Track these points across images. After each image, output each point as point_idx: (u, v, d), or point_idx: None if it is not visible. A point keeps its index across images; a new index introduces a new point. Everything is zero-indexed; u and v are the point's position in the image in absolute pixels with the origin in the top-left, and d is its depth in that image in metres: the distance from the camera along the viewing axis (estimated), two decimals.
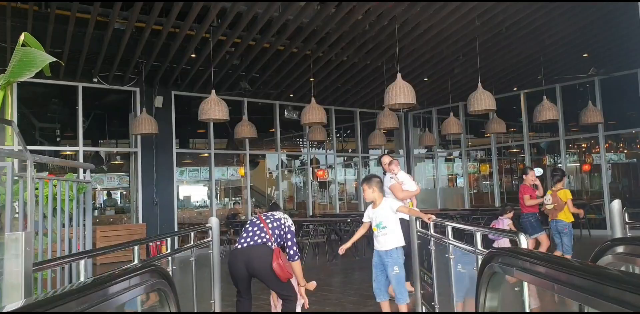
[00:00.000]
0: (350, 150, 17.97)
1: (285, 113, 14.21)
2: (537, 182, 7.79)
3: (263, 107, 14.45)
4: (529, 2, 8.30)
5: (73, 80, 11.20)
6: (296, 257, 4.49)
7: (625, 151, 19.64)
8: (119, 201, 16.80)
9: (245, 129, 11.21)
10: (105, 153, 16.28)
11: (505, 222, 7.49)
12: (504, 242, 6.47)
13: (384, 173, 6.44)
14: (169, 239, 4.13)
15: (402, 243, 4.85)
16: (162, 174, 12.04)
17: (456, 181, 17.63)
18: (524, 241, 2.19)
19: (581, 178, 16.97)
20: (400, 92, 8.01)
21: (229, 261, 4.44)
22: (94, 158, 15.73)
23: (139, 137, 11.75)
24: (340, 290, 6.97)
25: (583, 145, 17.42)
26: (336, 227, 10.15)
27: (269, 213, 4.69)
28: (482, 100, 9.22)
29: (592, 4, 8.43)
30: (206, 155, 13.48)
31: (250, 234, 4.44)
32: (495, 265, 1.60)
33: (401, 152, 17.19)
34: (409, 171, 16.74)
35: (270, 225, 4.47)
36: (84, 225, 4.42)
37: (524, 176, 7.86)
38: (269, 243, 4.34)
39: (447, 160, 17.79)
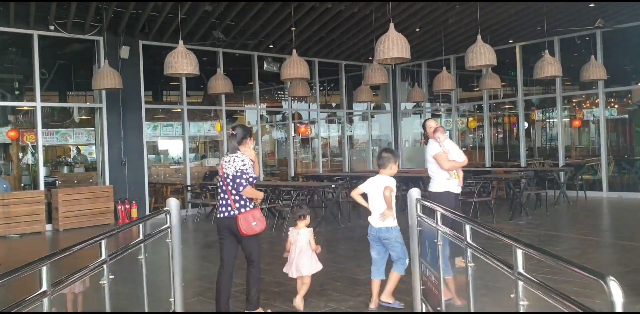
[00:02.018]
0: (334, 105, 17.05)
1: (265, 65, 13.17)
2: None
3: (240, 59, 13.37)
4: None
5: (27, 28, 10.01)
6: (241, 188, 4.14)
7: (616, 106, 19.08)
8: (88, 158, 15.85)
9: (220, 84, 10.23)
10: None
11: None
12: None
13: (425, 138, 5.68)
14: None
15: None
16: (130, 131, 11.09)
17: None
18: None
19: (570, 134, 16.34)
20: (393, 45, 7.07)
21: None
22: (61, 111, 14.70)
23: (103, 92, 10.72)
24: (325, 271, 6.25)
25: (574, 101, 16.73)
26: (320, 194, 9.41)
27: (227, 158, 4.24)
28: (482, 55, 8.31)
29: None
30: (177, 110, 12.50)
31: (222, 202, 4.28)
32: None
33: (387, 106, 16.32)
34: (396, 127, 15.97)
35: (229, 186, 4.18)
36: None
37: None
38: (234, 212, 4.17)
39: (434, 115, 17.00)
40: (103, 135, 10.91)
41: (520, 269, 2.12)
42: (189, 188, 11.35)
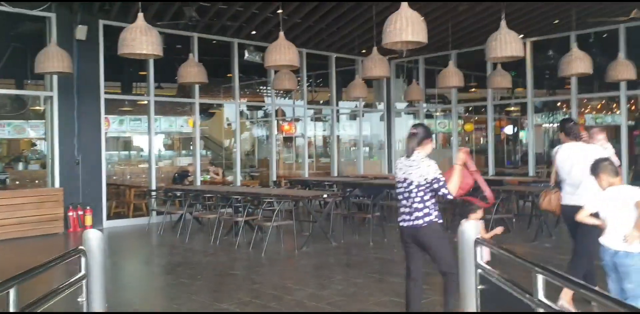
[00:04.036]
0: (321, 102, 15.59)
1: (246, 54, 11.65)
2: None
3: (218, 47, 11.83)
4: None
5: None
6: (449, 197, 3.76)
7: (618, 112, 17.94)
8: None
9: (192, 71, 8.66)
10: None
11: None
12: None
13: (577, 140, 4.62)
14: None
15: None
16: (86, 125, 9.49)
17: (449, 141, 15.56)
18: None
19: None
20: (408, 26, 5.62)
21: None
22: (15, 101, 13.05)
23: (54, 78, 9.13)
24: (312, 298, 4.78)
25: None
26: (310, 206, 7.91)
27: (407, 162, 3.84)
28: (508, 44, 6.89)
29: None
30: (144, 102, 10.91)
31: (403, 210, 3.89)
32: None
33: (378, 105, 14.90)
34: (389, 127, 14.56)
35: (412, 193, 3.80)
36: None
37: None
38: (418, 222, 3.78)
39: (428, 116, 15.65)
40: (53, 128, 9.30)
41: None
42: (153, 193, 9.76)
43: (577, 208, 4.07)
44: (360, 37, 11.65)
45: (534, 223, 8.65)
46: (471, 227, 2.81)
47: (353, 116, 15.88)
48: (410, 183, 3.77)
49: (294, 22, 10.40)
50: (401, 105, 15.03)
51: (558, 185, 4.71)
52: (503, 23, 7.03)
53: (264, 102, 15.63)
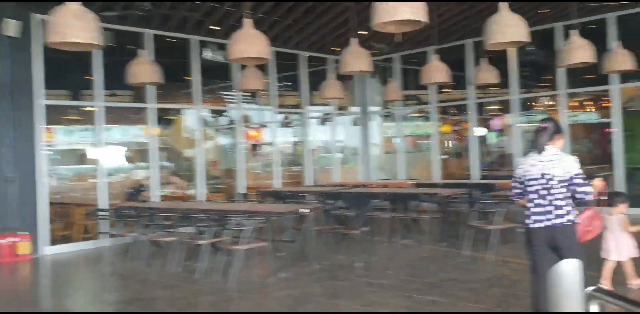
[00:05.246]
0: (288, 106, 14.49)
1: (209, 53, 10.52)
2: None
3: (176, 46, 10.66)
4: None
5: None
6: (591, 196, 3.60)
7: (590, 109, 17.41)
8: None
9: (144, 70, 7.48)
10: None
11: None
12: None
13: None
14: None
15: None
16: (20, 136, 8.18)
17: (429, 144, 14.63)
18: None
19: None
20: (402, 3, 4.60)
21: None
22: None
23: None
24: None
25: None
26: (285, 224, 6.77)
27: (543, 157, 3.70)
28: (509, 28, 5.96)
29: None
30: (91, 109, 9.61)
31: (538, 209, 3.70)
32: None
33: (353, 109, 13.89)
34: (365, 131, 13.58)
35: (553, 189, 3.63)
36: None
37: None
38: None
39: (406, 118, 14.74)
40: None
41: None
42: (102, 213, 8.45)
43: None
44: (332, 33, 10.65)
45: None
46: (575, 268, 1.75)
47: (322, 121, 14.85)
48: (552, 179, 3.60)
49: (260, 17, 9.34)
50: (375, 108, 14.06)
51: None
52: (503, 4, 6.09)
53: (228, 107, 14.45)
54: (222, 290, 5.70)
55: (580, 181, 3.58)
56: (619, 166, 10.14)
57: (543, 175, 3.65)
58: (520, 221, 7.54)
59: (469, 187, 8.51)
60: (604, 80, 10.24)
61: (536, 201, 3.69)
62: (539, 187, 3.67)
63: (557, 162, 3.62)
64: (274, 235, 7.46)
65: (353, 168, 13.79)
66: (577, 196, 3.59)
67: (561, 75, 10.68)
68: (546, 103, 16.56)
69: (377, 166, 13.79)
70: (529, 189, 3.74)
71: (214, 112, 14.62)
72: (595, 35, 10.37)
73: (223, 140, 15.52)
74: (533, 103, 16.84)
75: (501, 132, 18.86)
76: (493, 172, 14.12)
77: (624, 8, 9.69)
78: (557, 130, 3.75)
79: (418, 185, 9.67)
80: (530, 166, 3.72)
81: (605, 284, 4.96)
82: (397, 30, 5.09)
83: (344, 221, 7.72)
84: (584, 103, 16.67)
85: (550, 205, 3.62)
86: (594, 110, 17.25)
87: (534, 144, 3.75)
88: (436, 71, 8.85)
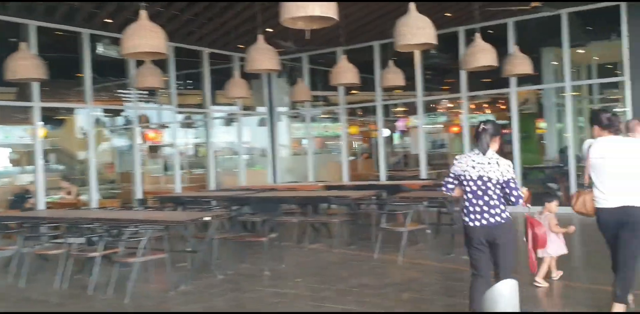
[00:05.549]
0: (193, 105, 13.87)
1: (102, 48, 9.74)
2: None
3: (66, 40, 9.79)
4: None
5: None
6: (521, 200, 3.73)
7: (488, 111, 18.21)
8: None
9: (26, 65, 6.69)
10: None
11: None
12: None
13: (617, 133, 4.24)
14: None
15: None
16: None
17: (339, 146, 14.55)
18: None
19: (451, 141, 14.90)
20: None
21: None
22: None
23: None
24: None
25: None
26: (186, 232, 6.27)
27: (483, 159, 3.76)
28: (419, 30, 5.88)
29: None
30: None
31: (475, 209, 3.79)
32: None
33: (259, 109, 13.51)
34: (273, 132, 13.25)
35: (490, 190, 3.75)
36: None
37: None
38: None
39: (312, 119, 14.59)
40: None
41: None
42: None
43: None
44: (237, 29, 10.22)
45: (443, 231, 7.87)
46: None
47: (227, 121, 14.37)
48: (489, 180, 3.70)
49: (156, 10, 8.74)
50: (283, 109, 13.78)
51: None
52: (412, 5, 6.01)
53: (123, 106, 13.58)
54: (116, 307, 5.15)
55: (514, 186, 3.70)
56: (516, 166, 10.52)
57: (480, 176, 3.73)
58: (429, 222, 7.62)
59: (378, 189, 8.46)
60: (502, 83, 10.60)
61: (473, 201, 3.78)
62: (476, 188, 3.75)
63: (494, 165, 3.70)
64: (174, 244, 6.95)
65: (260, 170, 13.42)
66: (512, 199, 3.69)
67: (463, 78, 10.93)
68: (448, 105, 17.11)
69: (286, 169, 13.51)
70: (466, 189, 3.82)
71: (108, 111, 13.71)
72: (496, 40, 10.77)
73: (119, 142, 14.62)
74: (436, 106, 17.33)
75: (404, 133, 19.33)
76: (399, 173, 14.33)
77: (522, 13, 10.03)
78: (496, 133, 3.80)
79: (327, 187, 9.49)
80: (469, 167, 3.79)
81: (540, 282, 5.17)
82: (306, 27, 4.80)
83: (251, 227, 7.34)
84: (483, 105, 17.44)
85: (485, 205, 3.73)
86: (491, 112, 18.10)
87: (478, 145, 3.80)
88: (345, 72, 8.72)
